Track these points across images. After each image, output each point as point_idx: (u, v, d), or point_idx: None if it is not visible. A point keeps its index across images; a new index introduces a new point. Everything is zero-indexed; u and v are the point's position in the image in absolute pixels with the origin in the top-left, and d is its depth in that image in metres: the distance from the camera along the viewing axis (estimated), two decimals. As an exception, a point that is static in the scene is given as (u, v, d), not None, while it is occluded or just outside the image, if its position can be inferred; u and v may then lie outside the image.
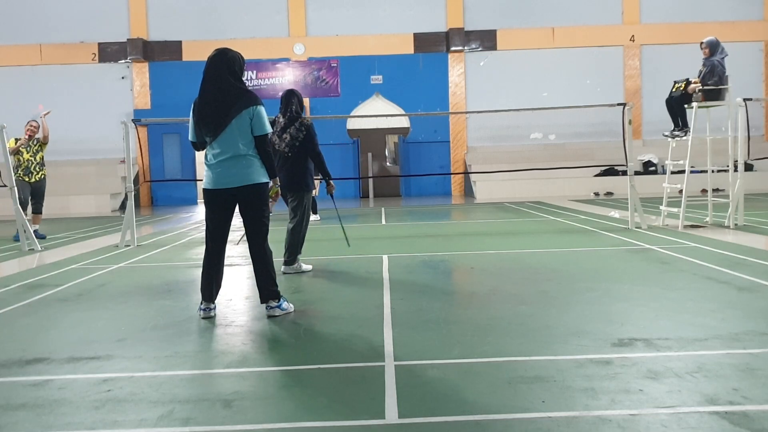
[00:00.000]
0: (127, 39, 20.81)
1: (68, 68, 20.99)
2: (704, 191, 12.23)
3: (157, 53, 21.04)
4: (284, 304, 4.78)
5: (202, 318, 4.71)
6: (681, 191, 9.55)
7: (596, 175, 19.26)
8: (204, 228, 4.85)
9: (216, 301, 4.89)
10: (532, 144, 21.41)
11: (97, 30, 20.91)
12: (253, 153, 4.66)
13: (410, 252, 7.91)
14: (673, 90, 9.54)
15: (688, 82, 9.25)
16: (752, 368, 3.24)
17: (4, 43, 20.79)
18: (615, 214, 12.08)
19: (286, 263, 6.53)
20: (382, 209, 15.69)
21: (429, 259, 7.28)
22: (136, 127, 11.37)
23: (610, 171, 18.79)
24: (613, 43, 21.22)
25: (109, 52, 21.01)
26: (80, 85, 21.00)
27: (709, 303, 4.69)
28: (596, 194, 18.81)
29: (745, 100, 9.60)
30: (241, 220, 4.80)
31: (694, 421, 2.63)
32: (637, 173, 10.91)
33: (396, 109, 20.40)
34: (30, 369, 3.61)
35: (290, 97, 6.41)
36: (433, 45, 21.19)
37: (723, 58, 9.09)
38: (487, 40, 21.19)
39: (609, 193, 18.77)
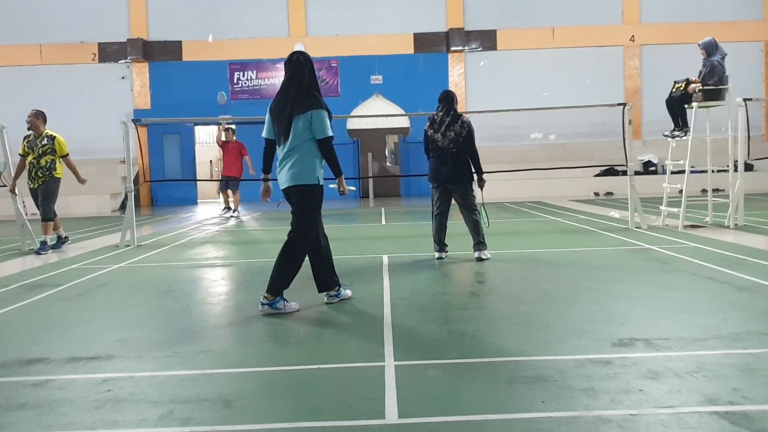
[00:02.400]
0: (127, 39, 20.80)
1: (68, 68, 20.98)
2: (704, 191, 12.22)
3: (157, 53, 21.03)
4: (279, 304, 4.82)
5: (326, 303, 5.02)
6: (681, 191, 9.55)
7: (596, 175, 19.25)
8: None
9: (340, 289, 5.14)
10: (532, 144, 21.41)
11: (97, 30, 20.90)
12: (307, 154, 4.77)
13: (410, 252, 7.90)
14: (673, 90, 9.54)
15: (688, 82, 9.25)
16: (752, 368, 3.24)
17: (4, 43, 20.78)
18: (615, 214, 12.08)
19: (480, 248, 7.05)
20: (382, 209, 15.69)
21: (429, 259, 7.27)
22: (136, 127, 11.37)
23: (610, 171, 18.78)
24: (613, 43, 21.21)
25: (109, 52, 21.01)
26: (80, 85, 20.99)
27: (709, 303, 4.69)
28: (596, 194, 18.81)
29: (745, 100, 9.60)
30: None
31: (694, 421, 2.63)
32: (637, 173, 10.91)
33: (396, 109, 20.40)
34: (30, 369, 3.61)
35: (453, 97, 7.05)
36: (433, 45, 21.18)
37: (722, 57, 9.08)
38: (487, 40, 21.18)
39: (609, 193, 18.76)
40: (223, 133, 14.46)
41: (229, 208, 14.60)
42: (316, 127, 4.75)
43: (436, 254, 7.25)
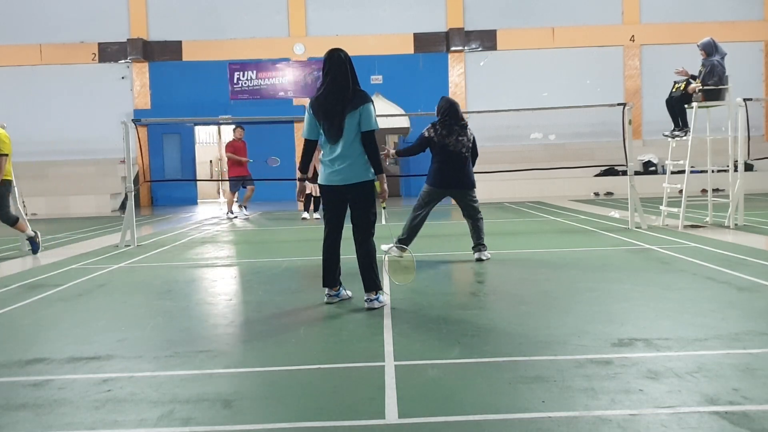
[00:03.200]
0: (127, 39, 20.80)
1: (68, 68, 20.98)
2: (704, 191, 12.22)
3: (157, 53, 21.03)
4: (381, 297, 4.95)
5: (326, 303, 5.00)
6: (681, 191, 9.54)
7: (596, 175, 19.25)
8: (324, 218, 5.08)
9: (341, 289, 5.12)
10: (532, 144, 21.40)
11: (97, 30, 20.90)
12: (360, 151, 4.82)
13: (410, 252, 7.89)
14: (673, 90, 9.54)
15: (688, 83, 9.25)
16: (752, 368, 3.23)
17: (4, 43, 20.78)
18: (615, 214, 12.08)
19: (480, 249, 7.12)
20: (383, 209, 15.68)
21: (429, 259, 7.27)
22: (136, 127, 11.37)
23: (610, 171, 18.78)
24: (613, 43, 21.21)
25: (109, 52, 21.01)
26: (80, 85, 20.99)
27: (709, 303, 4.69)
28: (596, 194, 18.81)
29: (745, 100, 9.59)
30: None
31: (694, 421, 2.63)
32: (637, 173, 10.91)
33: (396, 109, 20.39)
34: (30, 369, 3.60)
35: (458, 106, 7.21)
36: (433, 45, 21.18)
37: (722, 58, 9.08)
38: (487, 40, 21.18)
39: (609, 193, 18.76)
40: (235, 132, 14.54)
41: (245, 207, 14.73)
42: (364, 120, 4.78)
43: (395, 252, 7.08)
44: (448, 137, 6.98)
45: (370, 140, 4.82)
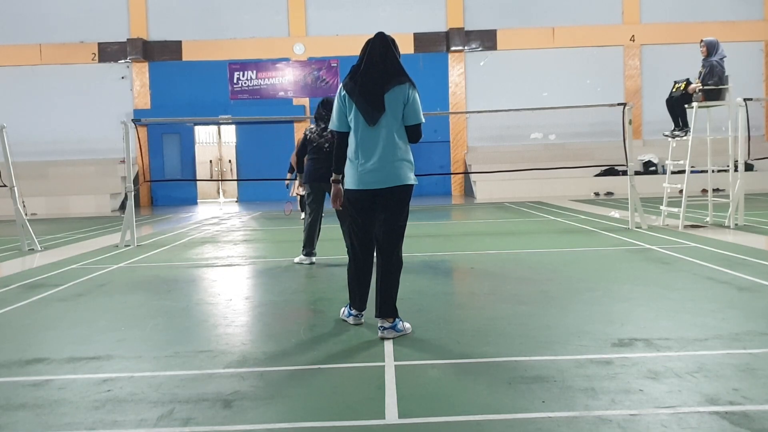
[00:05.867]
0: (127, 39, 20.82)
1: (68, 68, 21.01)
2: (704, 191, 12.22)
3: (157, 53, 21.05)
4: (399, 325, 4.06)
5: (353, 324, 4.33)
6: (681, 191, 9.54)
7: (596, 175, 19.25)
8: (350, 231, 4.24)
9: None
10: (532, 144, 21.41)
11: (97, 30, 20.92)
12: (406, 143, 4.06)
13: (410, 252, 7.90)
14: (673, 90, 9.54)
15: (688, 82, 9.25)
16: (752, 368, 3.23)
17: (4, 43, 20.80)
18: (615, 214, 12.08)
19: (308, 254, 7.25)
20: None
21: (429, 259, 7.27)
22: (136, 127, 11.36)
23: (610, 171, 18.79)
24: (613, 43, 21.23)
25: (109, 52, 21.02)
26: (80, 85, 21.01)
27: (709, 303, 4.69)
28: (596, 194, 18.81)
29: (745, 100, 9.59)
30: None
31: (695, 421, 2.63)
32: (637, 173, 10.91)
33: (396, 109, 20.38)
34: (30, 369, 3.60)
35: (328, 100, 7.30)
36: (433, 45, 21.19)
37: (722, 59, 9.09)
38: (487, 40, 21.20)
39: (609, 193, 18.77)
40: None
41: None
42: (410, 108, 4.00)
43: (307, 260, 7.17)
44: (317, 132, 7.05)
45: (419, 135, 4.07)
